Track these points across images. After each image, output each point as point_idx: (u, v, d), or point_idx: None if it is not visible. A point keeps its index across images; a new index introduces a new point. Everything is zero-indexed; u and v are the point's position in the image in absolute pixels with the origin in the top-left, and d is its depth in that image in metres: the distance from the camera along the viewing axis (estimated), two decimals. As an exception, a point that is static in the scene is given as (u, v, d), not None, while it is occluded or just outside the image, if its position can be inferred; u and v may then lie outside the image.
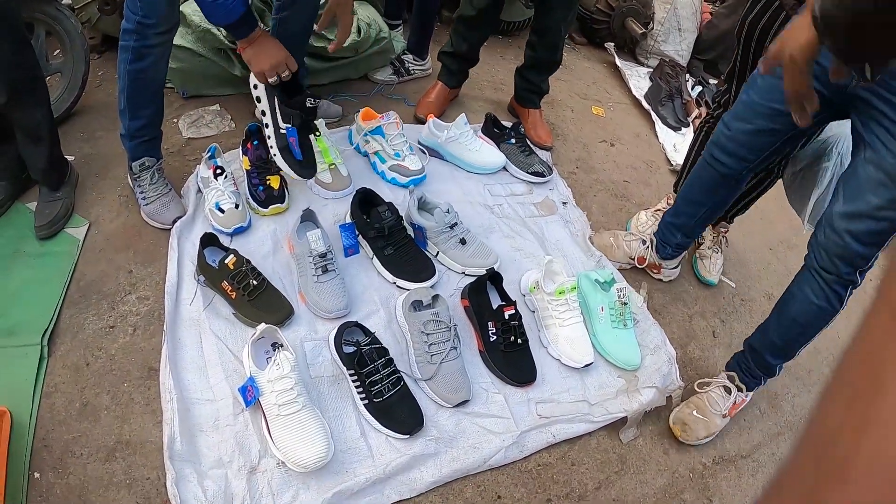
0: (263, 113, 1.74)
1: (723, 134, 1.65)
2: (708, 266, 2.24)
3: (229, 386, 1.45)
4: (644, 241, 2.09)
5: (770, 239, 2.58)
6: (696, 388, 1.78)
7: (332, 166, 1.97)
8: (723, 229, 2.26)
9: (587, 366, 1.66)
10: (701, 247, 2.28)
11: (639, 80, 3.27)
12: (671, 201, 2.17)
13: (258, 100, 1.73)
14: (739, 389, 1.74)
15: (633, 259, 2.10)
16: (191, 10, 2.07)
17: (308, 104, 1.71)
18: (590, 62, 3.41)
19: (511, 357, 1.58)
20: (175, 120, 2.15)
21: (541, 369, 1.63)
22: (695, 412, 1.72)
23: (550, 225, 2.06)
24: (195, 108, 2.21)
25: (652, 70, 3.38)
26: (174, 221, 1.75)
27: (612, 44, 3.47)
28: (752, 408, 1.90)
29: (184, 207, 1.81)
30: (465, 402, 1.51)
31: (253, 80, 1.70)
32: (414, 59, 2.69)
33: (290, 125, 1.71)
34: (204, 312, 1.59)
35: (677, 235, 1.99)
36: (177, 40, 2.04)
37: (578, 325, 1.68)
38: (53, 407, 1.39)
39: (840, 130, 1.73)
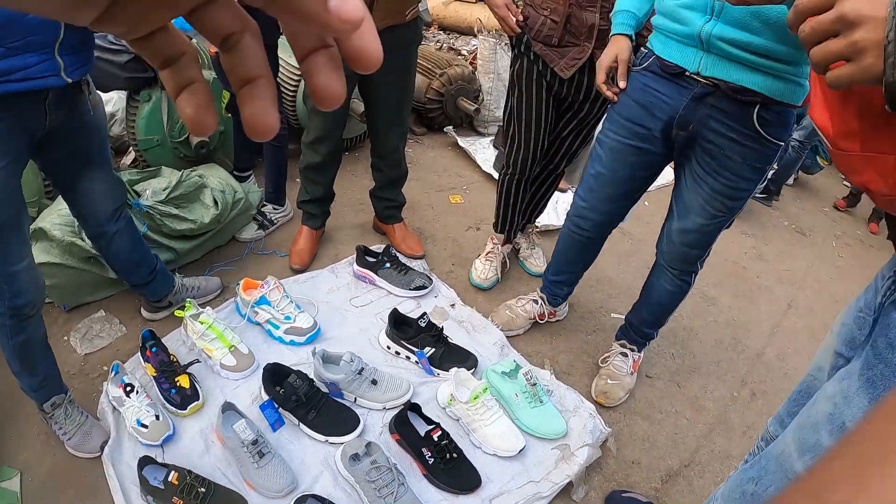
0: None
1: (583, 208, 2.06)
2: (534, 261, 2.85)
3: None
4: (536, 301, 2.45)
5: (647, 259, 2.97)
6: (600, 364, 2.32)
7: (233, 348, 2.10)
8: (531, 230, 2.85)
9: (521, 450, 1.91)
10: (521, 251, 2.84)
11: (484, 153, 3.64)
12: (496, 240, 2.65)
13: None
14: (633, 350, 2.29)
15: (533, 318, 2.45)
16: (49, 223, 2.15)
17: None
18: (434, 150, 3.77)
19: (453, 471, 1.81)
20: (65, 338, 2.20)
21: (483, 469, 1.86)
22: (608, 381, 2.24)
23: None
24: (81, 320, 2.27)
25: (493, 137, 3.76)
26: (102, 447, 1.82)
27: (451, 126, 3.82)
28: (679, 418, 2.23)
29: (106, 431, 1.87)
30: (426, 528, 1.72)
31: None
32: (274, 208, 2.91)
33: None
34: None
35: (564, 288, 2.39)
36: (43, 257, 2.10)
37: (501, 418, 1.95)
38: None
39: None
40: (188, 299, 2.19)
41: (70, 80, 1.51)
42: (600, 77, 1.81)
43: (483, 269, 2.63)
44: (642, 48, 1.83)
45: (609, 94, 1.84)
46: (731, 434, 2.23)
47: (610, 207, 2.02)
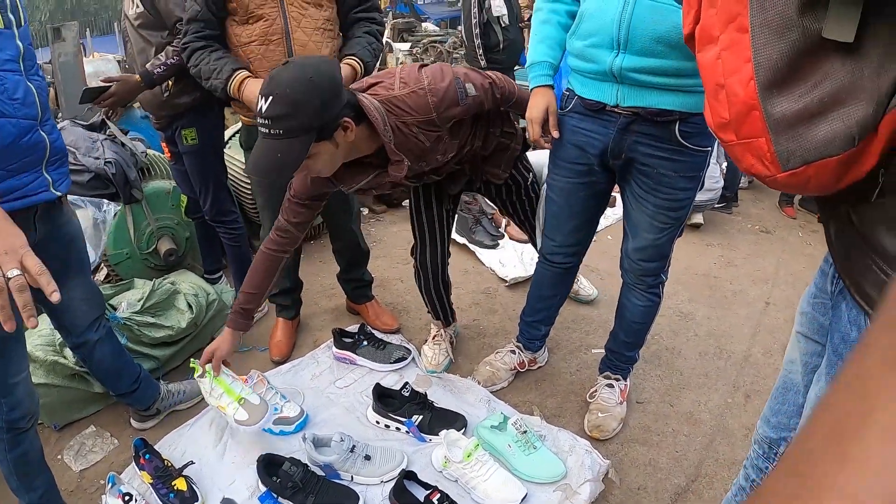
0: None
1: (553, 246, 2.17)
2: (584, 291, 3.10)
3: None
4: (513, 351, 2.49)
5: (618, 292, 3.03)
6: (588, 399, 2.34)
7: (242, 401, 2.04)
8: None
9: (524, 499, 1.92)
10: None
11: (445, 219, 3.72)
12: (431, 327, 2.66)
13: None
14: (618, 380, 2.31)
15: (514, 369, 2.48)
16: (31, 345, 2.17)
17: None
18: (396, 225, 3.87)
19: (458, 531, 1.81)
20: (59, 457, 2.19)
21: (488, 525, 1.87)
22: (599, 414, 2.25)
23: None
24: (73, 437, 2.28)
25: (452, 203, 3.85)
26: None
27: (408, 200, 3.89)
28: (677, 436, 2.25)
29: None
30: None
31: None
32: (248, 305, 2.94)
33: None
34: None
35: (542, 328, 2.43)
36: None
37: (498, 471, 1.96)
38: None
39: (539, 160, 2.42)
40: (191, 360, 2.16)
41: (59, 194, 1.64)
42: (536, 131, 1.92)
43: (433, 356, 2.60)
44: (564, 91, 1.95)
45: (546, 145, 1.97)
46: (733, 439, 2.24)
47: (576, 238, 2.15)
